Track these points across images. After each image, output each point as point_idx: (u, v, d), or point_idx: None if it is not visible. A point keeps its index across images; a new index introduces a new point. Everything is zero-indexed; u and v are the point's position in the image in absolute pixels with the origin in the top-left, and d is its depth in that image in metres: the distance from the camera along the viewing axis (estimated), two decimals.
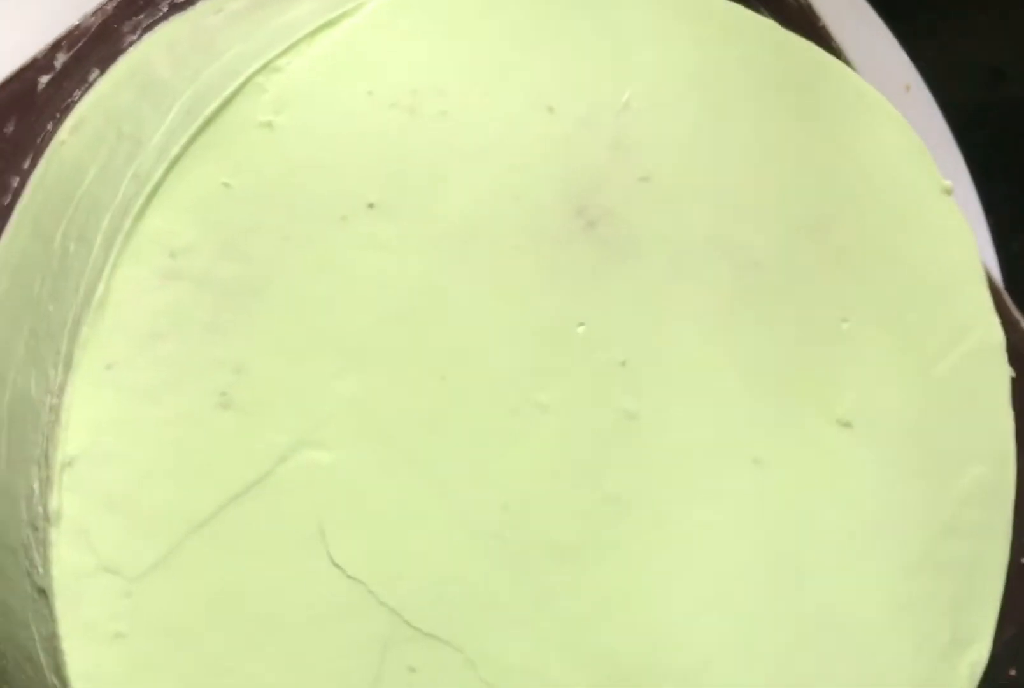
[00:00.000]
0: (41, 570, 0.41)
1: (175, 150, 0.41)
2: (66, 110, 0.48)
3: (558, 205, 0.45)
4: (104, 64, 0.48)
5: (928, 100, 0.62)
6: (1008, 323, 0.61)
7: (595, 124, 0.46)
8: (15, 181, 0.48)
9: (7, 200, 0.48)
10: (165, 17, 0.49)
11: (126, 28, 0.48)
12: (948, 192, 0.51)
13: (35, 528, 0.41)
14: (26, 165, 0.48)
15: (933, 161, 0.51)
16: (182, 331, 0.41)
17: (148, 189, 0.41)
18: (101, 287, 0.41)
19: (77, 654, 0.41)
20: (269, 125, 0.42)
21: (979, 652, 0.52)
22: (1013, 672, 0.62)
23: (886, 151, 0.50)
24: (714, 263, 0.48)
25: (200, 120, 0.41)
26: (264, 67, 0.42)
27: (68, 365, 0.41)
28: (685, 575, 0.48)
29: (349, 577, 0.43)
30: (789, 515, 0.49)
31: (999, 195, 0.70)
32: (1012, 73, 0.75)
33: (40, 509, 0.41)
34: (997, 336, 0.53)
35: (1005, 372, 0.53)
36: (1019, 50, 0.75)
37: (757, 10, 0.56)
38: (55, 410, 0.41)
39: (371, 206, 0.43)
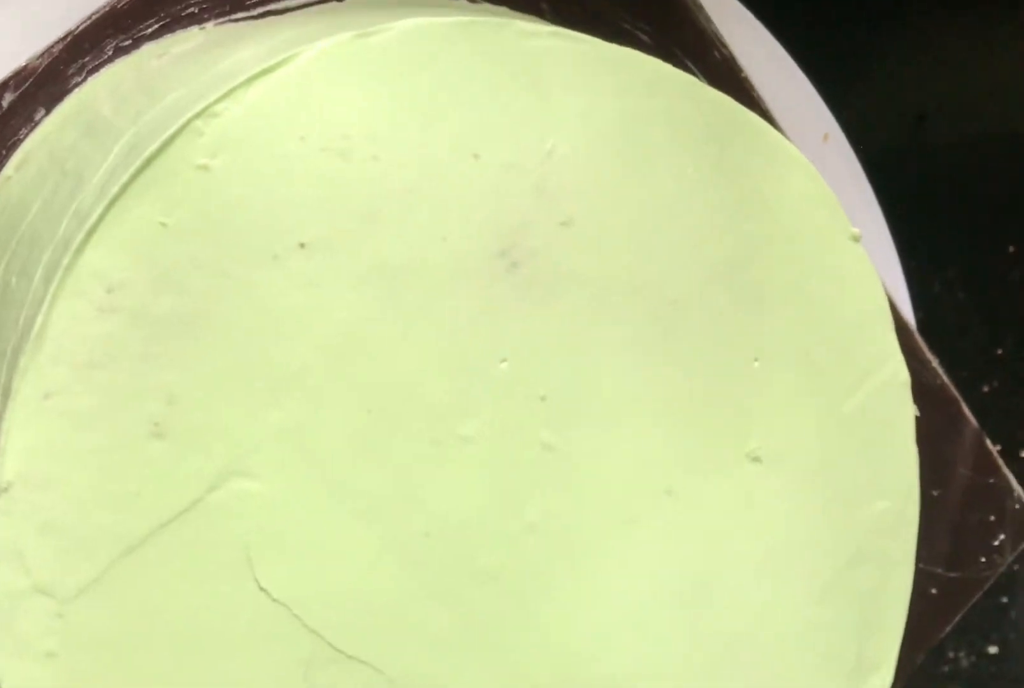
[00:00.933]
0: None
1: (115, 189, 0.43)
2: (12, 147, 0.50)
3: (483, 247, 0.48)
4: (50, 104, 0.50)
5: (845, 148, 0.65)
6: (920, 362, 0.64)
7: (519, 170, 0.48)
8: None
9: None
10: (110, 59, 0.51)
11: (72, 69, 0.50)
12: (856, 239, 0.54)
13: None
14: None
15: (842, 209, 0.54)
16: (117, 361, 0.43)
17: (87, 226, 0.43)
18: (40, 319, 0.42)
19: (10, 672, 0.42)
20: (205, 167, 0.44)
21: (883, 678, 0.55)
22: None
23: (797, 199, 0.53)
24: (632, 303, 0.50)
25: (139, 161, 0.43)
26: (202, 112, 0.44)
27: (7, 394, 0.42)
28: (602, 600, 0.50)
29: (274, 601, 0.45)
30: (702, 543, 0.51)
31: (919, 239, 0.73)
32: (934, 117, 0.78)
33: None
34: (903, 375, 0.55)
35: (910, 410, 0.55)
36: (941, 94, 0.78)
37: (683, 61, 0.59)
38: None
39: (302, 245, 0.45)
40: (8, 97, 0.50)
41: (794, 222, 0.53)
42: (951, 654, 0.82)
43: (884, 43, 0.75)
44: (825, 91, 0.65)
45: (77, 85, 0.50)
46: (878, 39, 0.75)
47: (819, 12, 0.71)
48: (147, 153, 0.43)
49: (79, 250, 0.43)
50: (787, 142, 0.53)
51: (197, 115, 0.44)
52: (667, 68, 0.51)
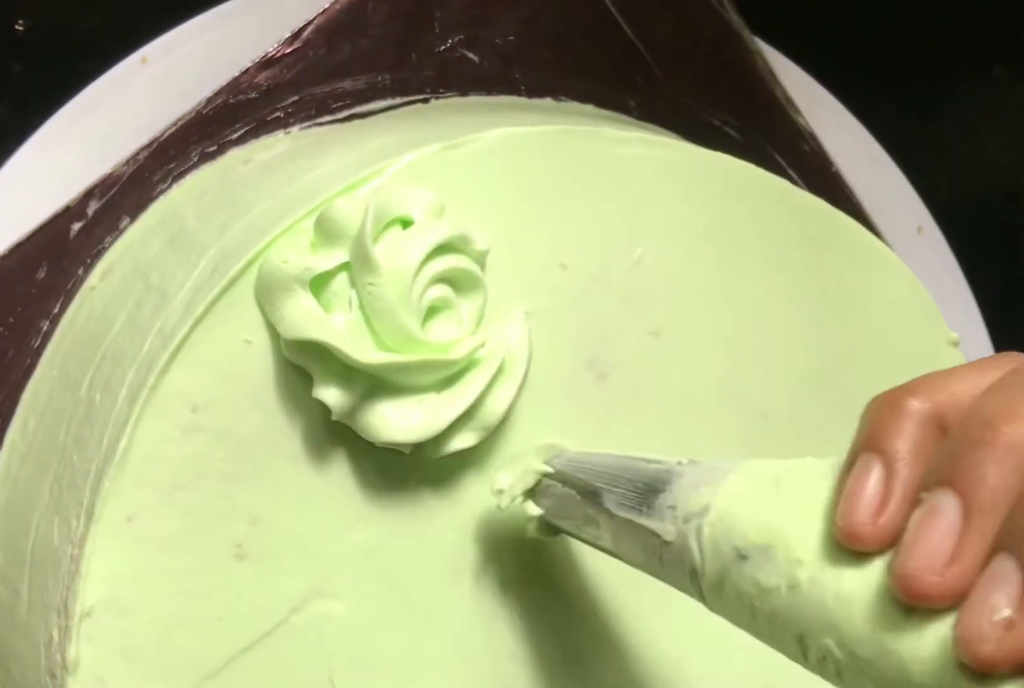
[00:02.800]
0: None
1: (200, 308, 0.42)
2: (96, 256, 0.49)
3: (570, 358, 0.47)
4: (134, 212, 0.50)
5: (940, 242, 0.63)
6: None
7: (607, 280, 0.47)
8: (44, 324, 0.49)
9: (36, 342, 0.49)
10: (195, 166, 0.50)
11: (157, 177, 0.50)
12: (955, 344, 0.52)
13: (53, 675, 0.42)
14: (56, 309, 0.49)
15: (940, 313, 0.52)
16: (201, 482, 0.43)
17: (173, 345, 0.42)
18: (124, 441, 0.42)
19: None
20: None
21: None
22: None
23: (893, 304, 0.52)
24: (722, 414, 0.49)
25: (224, 280, 0.42)
26: (288, 229, 0.43)
27: (89, 517, 0.42)
28: None
29: None
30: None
31: (1015, 324, 0.71)
32: None
33: (58, 657, 0.42)
34: None
35: None
36: None
37: (772, 155, 0.58)
38: (75, 560, 0.42)
39: None
40: (93, 205, 0.49)
41: (890, 329, 0.51)
42: None
43: (971, 125, 0.73)
44: (916, 181, 0.64)
45: (162, 192, 0.50)
46: (965, 121, 0.73)
47: (906, 100, 0.69)
48: (232, 272, 0.43)
49: (164, 370, 0.42)
50: (882, 245, 0.52)
51: (283, 232, 0.43)
52: (758, 172, 0.50)
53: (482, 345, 0.44)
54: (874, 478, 0.32)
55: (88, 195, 0.50)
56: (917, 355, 0.52)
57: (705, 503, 0.35)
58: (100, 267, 0.50)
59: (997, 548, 0.30)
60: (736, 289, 0.49)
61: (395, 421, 0.43)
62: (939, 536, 0.30)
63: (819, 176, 0.59)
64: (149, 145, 0.50)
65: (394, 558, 0.44)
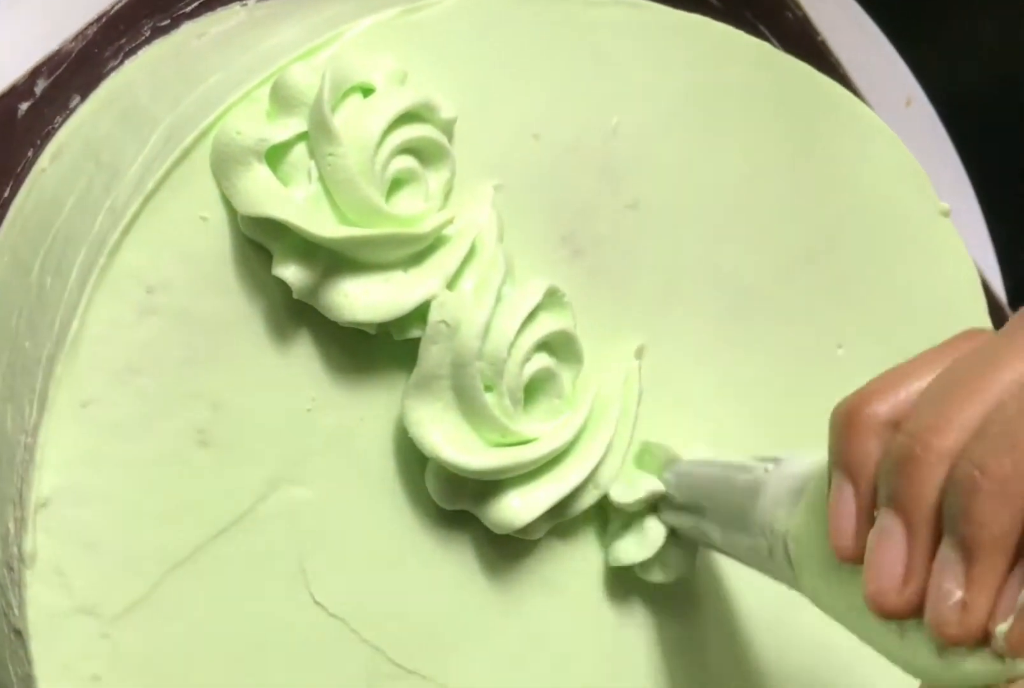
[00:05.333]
0: (16, 612, 0.40)
1: (151, 183, 0.40)
2: (46, 137, 0.47)
3: (544, 233, 0.45)
4: (85, 90, 0.47)
5: (930, 114, 0.61)
6: None
7: (582, 151, 0.45)
8: None
9: None
10: (148, 41, 0.48)
11: (108, 53, 0.48)
12: (946, 214, 0.50)
13: (10, 568, 0.41)
14: (5, 193, 0.47)
15: (930, 183, 0.50)
16: (158, 366, 0.41)
17: (123, 223, 0.40)
18: (75, 323, 0.40)
19: None
20: None
21: None
22: None
23: (882, 174, 0.50)
24: (705, 289, 0.47)
25: (177, 152, 0.40)
26: (242, 98, 0.41)
27: (43, 403, 0.40)
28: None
29: (331, 615, 0.43)
30: None
31: (1009, 205, 0.69)
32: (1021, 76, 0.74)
33: (15, 549, 0.40)
34: None
35: None
36: None
37: (755, 25, 0.56)
38: (29, 449, 0.40)
39: None
40: (41, 84, 0.47)
41: (880, 199, 0.49)
42: None
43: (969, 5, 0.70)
44: (906, 52, 0.62)
45: (113, 69, 0.48)
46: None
47: None
48: (184, 144, 0.40)
49: (115, 249, 0.40)
50: (870, 111, 0.50)
51: (237, 101, 0.41)
52: (739, 35, 0.48)
53: (450, 221, 0.42)
54: (846, 500, 0.34)
55: (35, 73, 0.47)
56: (907, 226, 0.50)
57: (784, 530, 0.38)
58: (50, 148, 0.47)
59: (938, 536, 0.32)
60: (717, 159, 0.47)
61: (360, 299, 0.41)
62: (891, 556, 0.32)
63: (804, 46, 0.56)
64: (98, 20, 0.48)
65: (363, 441, 0.43)
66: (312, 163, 0.41)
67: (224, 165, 0.40)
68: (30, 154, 0.47)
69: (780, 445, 0.48)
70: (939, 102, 0.62)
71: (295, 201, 0.40)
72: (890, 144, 0.50)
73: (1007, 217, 0.68)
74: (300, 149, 0.41)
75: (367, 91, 0.41)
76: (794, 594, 0.38)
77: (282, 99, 0.40)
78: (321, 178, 0.41)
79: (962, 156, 0.63)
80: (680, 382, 0.47)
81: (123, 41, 0.48)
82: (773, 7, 0.56)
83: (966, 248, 0.52)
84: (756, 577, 0.41)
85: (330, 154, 0.40)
